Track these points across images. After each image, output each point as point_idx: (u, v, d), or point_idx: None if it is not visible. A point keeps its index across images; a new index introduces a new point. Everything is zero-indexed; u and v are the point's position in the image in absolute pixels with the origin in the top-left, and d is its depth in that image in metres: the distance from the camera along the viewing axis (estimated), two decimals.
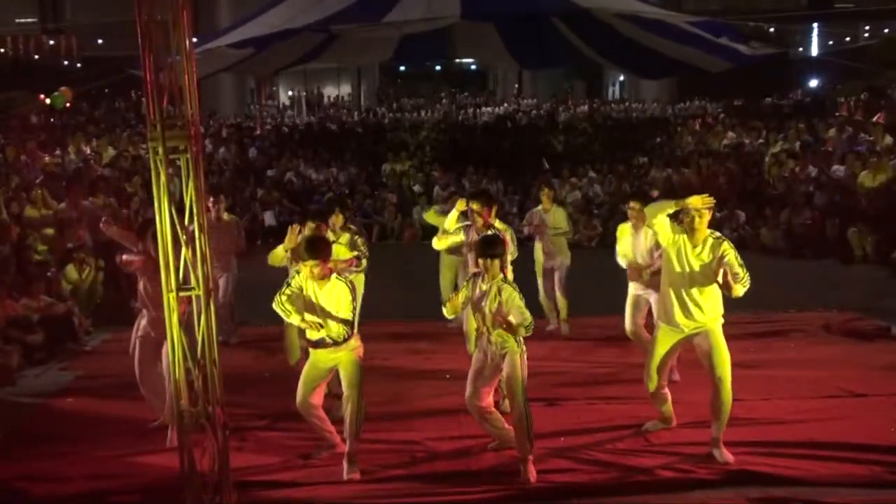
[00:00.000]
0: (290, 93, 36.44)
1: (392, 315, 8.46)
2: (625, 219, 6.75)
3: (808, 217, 12.01)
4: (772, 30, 24.25)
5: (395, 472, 5.11)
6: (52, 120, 19.17)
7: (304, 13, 8.64)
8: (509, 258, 5.77)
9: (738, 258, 4.93)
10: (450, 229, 6.56)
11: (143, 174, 12.13)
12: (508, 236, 6.01)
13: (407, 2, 8.28)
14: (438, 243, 6.69)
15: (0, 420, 6.24)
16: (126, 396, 6.18)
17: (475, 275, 5.09)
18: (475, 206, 6.22)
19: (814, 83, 28.49)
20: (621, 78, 34.73)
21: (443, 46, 11.01)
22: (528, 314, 4.85)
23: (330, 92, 35.93)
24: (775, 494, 4.69)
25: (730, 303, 5.13)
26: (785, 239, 12.03)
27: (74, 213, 9.92)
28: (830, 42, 32.95)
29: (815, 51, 32.00)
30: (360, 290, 6.41)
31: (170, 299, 4.14)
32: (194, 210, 4.10)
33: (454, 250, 6.91)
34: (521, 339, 4.97)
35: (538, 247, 8.05)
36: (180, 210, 4.09)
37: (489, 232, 5.95)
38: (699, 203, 4.85)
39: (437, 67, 39.33)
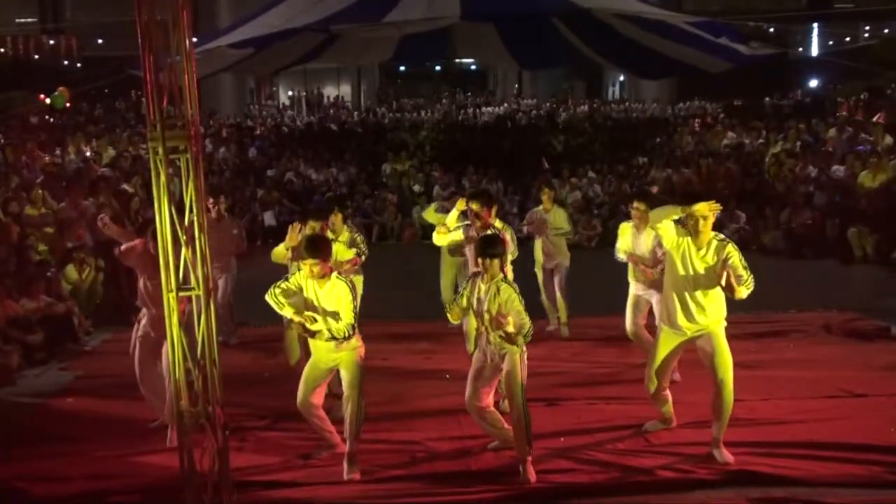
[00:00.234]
0: (290, 93, 36.45)
1: (392, 315, 8.45)
2: (625, 218, 6.75)
3: (808, 217, 12.01)
4: (772, 30, 24.23)
5: (395, 472, 5.11)
6: (51, 120, 19.19)
7: (304, 13, 8.64)
8: (510, 257, 5.78)
9: (743, 260, 4.92)
10: (450, 227, 6.57)
11: (143, 174, 12.13)
12: (508, 236, 6.00)
13: (407, 2, 8.29)
14: (438, 238, 6.67)
15: (0, 420, 6.24)
16: (126, 396, 6.18)
17: (475, 274, 5.09)
18: (475, 206, 6.21)
19: (814, 83, 28.47)
20: (621, 78, 34.74)
21: (443, 46, 11.01)
22: (527, 319, 4.83)
23: (330, 92, 35.91)
24: (775, 494, 4.69)
25: (730, 303, 5.13)
26: (785, 239, 12.04)
27: (74, 212, 9.93)
28: (830, 42, 32.94)
29: (815, 51, 31.99)
30: (360, 290, 6.41)
31: (170, 299, 4.14)
32: (194, 210, 4.10)
33: (455, 250, 6.91)
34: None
35: (538, 246, 8.05)
36: (180, 210, 4.09)
37: (489, 231, 5.95)
38: (706, 210, 4.85)
39: (437, 67, 39.33)
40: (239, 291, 8.12)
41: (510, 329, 4.74)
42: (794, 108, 23.17)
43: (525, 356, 4.98)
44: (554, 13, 9.06)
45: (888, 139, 13.73)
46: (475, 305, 4.99)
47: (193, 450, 4.32)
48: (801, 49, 30.67)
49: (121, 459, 5.35)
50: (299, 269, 5.07)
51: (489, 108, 29.30)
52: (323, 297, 4.93)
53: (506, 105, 30.63)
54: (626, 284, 6.70)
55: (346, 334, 4.92)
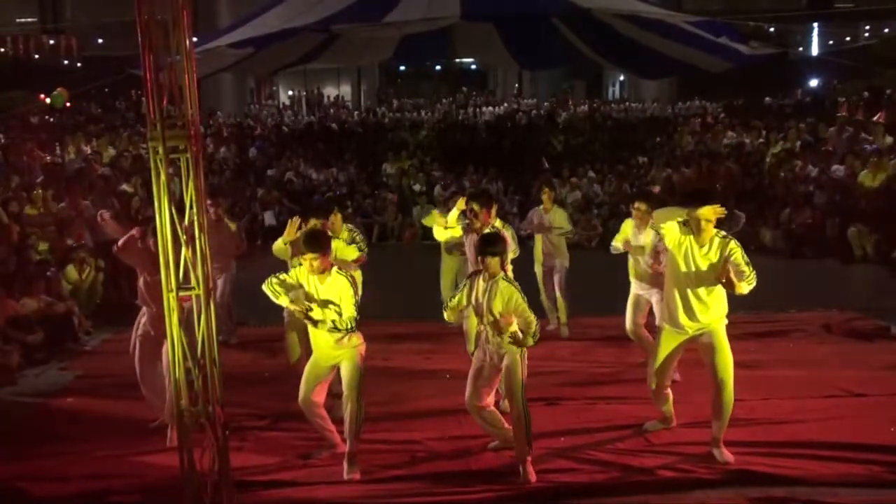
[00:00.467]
0: (290, 93, 36.46)
1: (392, 315, 8.45)
2: (625, 218, 6.77)
3: (808, 217, 12.01)
4: (772, 30, 24.25)
5: (395, 472, 5.10)
6: (51, 120, 19.18)
7: (305, 13, 8.65)
8: (511, 256, 5.78)
9: (745, 257, 4.91)
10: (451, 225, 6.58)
11: (142, 174, 12.14)
12: (509, 235, 6.01)
13: (407, 2, 8.29)
14: (438, 232, 6.71)
15: (0, 420, 6.24)
16: (126, 396, 6.18)
17: (474, 273, 5.09)
18: (475, 206, 6.22)
19: (814, 83, 28.44)
20: (621, 78, 34.72)
21: (443, 46, 11.03)
22: (532, 318, 4.84)
23: (330, 92, 35.91)
24: (775, 494, 4.69)
25: (731, 303, 5.13)
26: (785, 239, 12.03)
27: (74, 212, 9.93)
28: (830, 42, 32.93)
29: (815, 51, 31.97)
30: (360, 285, 6.41)
31: (170, 299, 4.14)
32: (194, 209, 4.10)
33: (453, 247, 6.91)
34: None
35: (538, 246, 8.06)
36: (180, 210, 4.09)
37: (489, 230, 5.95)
38: (711, 214, 4.85)
39: (437, 67, 39.34)
40: (238, 291, 8.12)
41: (514, 329, 4.74)
42: (794, 108, 23.15)
43: (525, 356, 4.98)
44: (554, 13, 9.07)
45: (888, 139, 13.71)
46: (475, 304, 4.98)
47: (193, 449, 4.31)
48: (801, 49, 30.65)
49: (121, 459, 5.35)
50: (300, 265, 5.06)
51: (489, 108, 29.30)
52: (324, 292, 4.93)
53: (506, 105, 30.63)
54: (626, 284, 6.70)
55: (350, 326, 4.91)
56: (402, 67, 38.83)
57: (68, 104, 14.70)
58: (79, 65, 27.13)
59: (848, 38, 32.63)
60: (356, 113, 28.21)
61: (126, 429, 5.84)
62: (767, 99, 25.75)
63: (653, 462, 5.12)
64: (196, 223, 4.11)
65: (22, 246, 8.92)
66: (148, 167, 4.33)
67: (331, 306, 4.89)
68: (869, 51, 24.71)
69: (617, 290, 6.91)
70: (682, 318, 5.06)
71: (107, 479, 5.08)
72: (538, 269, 8.05)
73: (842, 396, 6.16)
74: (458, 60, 29.88)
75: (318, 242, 4.92)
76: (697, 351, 5.21)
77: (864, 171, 12.07)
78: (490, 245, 4.93)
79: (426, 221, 7.73)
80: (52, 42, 27.72)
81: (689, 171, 14.85)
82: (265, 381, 6.84)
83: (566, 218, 8.19)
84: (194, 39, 4.49)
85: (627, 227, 6.63)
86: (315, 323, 4.92)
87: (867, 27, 32.45)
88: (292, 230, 5.86)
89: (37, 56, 26.49)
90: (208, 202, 7.42)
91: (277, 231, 12.35)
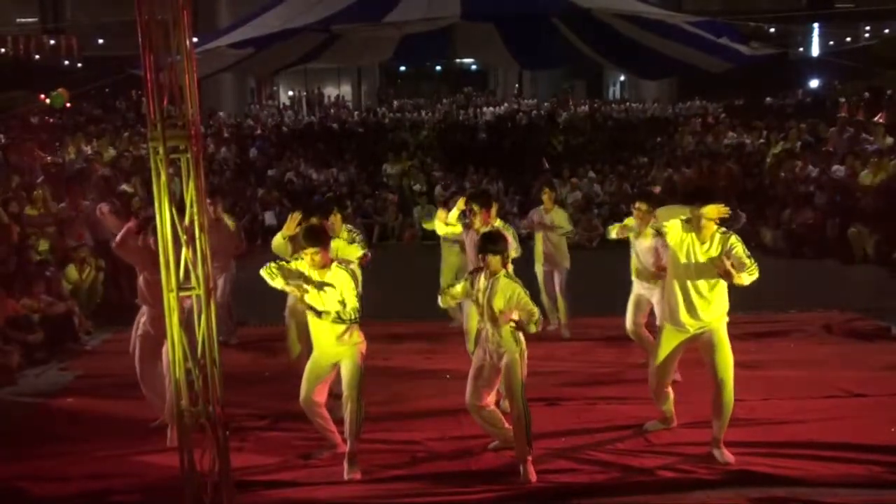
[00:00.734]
0: (290, 93, 36.44)
1: (392, 315, 8.45)
2: (625, 218, 6.77)
3: (808, 217, 12.01)
4: (772, 30, 24.24)
5: (395, 472, 5.11)
6: (51, 120, 19.18)
7: (305, 13, 8.63)
8: (512, 254, 5.78)
9: (746, 250, 4.93)
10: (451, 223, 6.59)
11: (143, 174, 12.14)
12: (510, 234, 6.01)
13: (407, 2, 8.27)
14: (439, 226, 6.73)
15: (0, 420, 6.24)
16: (126, 396, 6.19)
17: (475, 270, 5.09)
18: (475, 206, 6.22)
19: (814, 83, 28.42)
20: (621, 78, 34.69)
21: (443, 46, 10.99)
22: (535, 308, 4.89)
23: (330, 92, 35.90)
24: (775, 494, 4.69)
25: (731, 303, 5.13)
26: (785, 239, 12.04)
27: (74, 212, 9.93)
28: (831, 42, 32.91)
29: (815, 51, 31.95)
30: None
31: (170, 299, 4.14)
32: (195, 209, 4.10)
33: (454, 242, 6.90)
34: (522, 338, 4.97)
35: (538, 245, 8.06)
36: (181, 210, 4.09)
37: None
38: (714, 214, 4.86)
39: (437, 67, 39.34)
40: (238, 291, 8.12)
41: (516, 317, 4.79)
42: (794, 108, 23.15)
43: (525, 355, 4.99)
44: (554, 13, 9.04)
45: (889, 139, 13.71)
46: (475, 298, 4.99)
47: (194, 449, 4.32)
48: (801, 49, 30.65)
49: (121, 459, 5.35)
50: (300, 259, 5.06)
51: (490, 108, 29.29)
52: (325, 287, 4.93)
53: (506, 105, 30.63)
54: (627, 284, 6.71)
55: (353, 317, 4.92)
56: (403, 67, 38.82)
57: (68, 104, 14.71)
58: (79, 65, 27.13)
59: (848, 39, 32.61)
60: (356, 113, 28.19)
61: (126, 429, 5.84)
62: (768, 99, 25.75)
63: (653, 462, 5.12)
64: (196, 223, 4.11)
65: (22, 246, 8.91)
66: (148, 167, 4.32)
67: (331, 292, 4.87)
68: (869, 51, 24.72)
69: (617, 291, 6.91)
70: (683, 315, 5.06)
71: (107, 479, 5.08)
72: (539, 269, 8.06)
73: (842, 397, 6.17)
74: (458, 60, 29.84)
75: (317, 237, 4.93)
76: (698, 350, 5.21)
77: (865, 172, 12.07)
78: (491, 243, 4.95)
79: (427, 225, 7.73)
80: (52, 42, 27.72)
81: (690, 172, 14.86)
82: (265, 381, 6.84)
83: (567, 218, 8.19)
84: (194, 39, 4.49)
85: (630, 223, 6.61)
86: (319, 314, 4.91)
87: (867, 28, 32.43)
88: (292, 224, 5.87)
89: (37, 56, 26.49)
90: (207, 201, 7.44)
91: (277, 231, 12.36)
